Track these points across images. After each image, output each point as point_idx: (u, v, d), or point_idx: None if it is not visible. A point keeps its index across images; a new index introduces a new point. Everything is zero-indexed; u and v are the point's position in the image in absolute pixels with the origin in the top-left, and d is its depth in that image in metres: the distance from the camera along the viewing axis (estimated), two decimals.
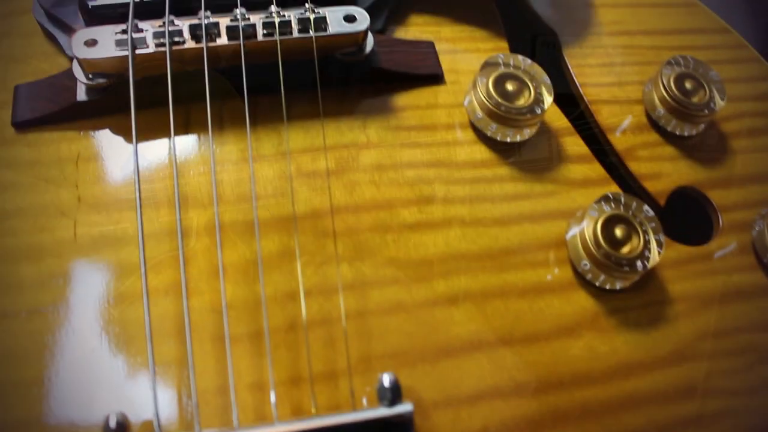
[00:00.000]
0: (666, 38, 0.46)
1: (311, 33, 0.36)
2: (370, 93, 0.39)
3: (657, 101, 0.42)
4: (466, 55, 0.42)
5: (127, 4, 0.36)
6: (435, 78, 0.40)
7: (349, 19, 0.36)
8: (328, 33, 0.36)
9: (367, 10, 0.38)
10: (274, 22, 0.35)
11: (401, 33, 0.42)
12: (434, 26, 0.43)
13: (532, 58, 0.40)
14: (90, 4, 0.37)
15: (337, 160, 0.36)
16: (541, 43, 0.45)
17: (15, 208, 0.34)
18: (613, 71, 0.44)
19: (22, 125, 0.37)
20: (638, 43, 0.46)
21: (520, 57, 0.39)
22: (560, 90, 0.41)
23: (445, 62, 0.41)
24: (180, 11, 0.37)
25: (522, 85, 0.38)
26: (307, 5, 0.36)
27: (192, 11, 0.37)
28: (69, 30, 0.38)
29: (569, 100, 0.43)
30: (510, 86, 0.38)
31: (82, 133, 0.37)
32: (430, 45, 0.41)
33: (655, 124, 0.42)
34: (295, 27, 0.36)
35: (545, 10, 0.45)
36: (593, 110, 0.42)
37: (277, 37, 0.35)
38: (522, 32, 0.45)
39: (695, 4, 0.48)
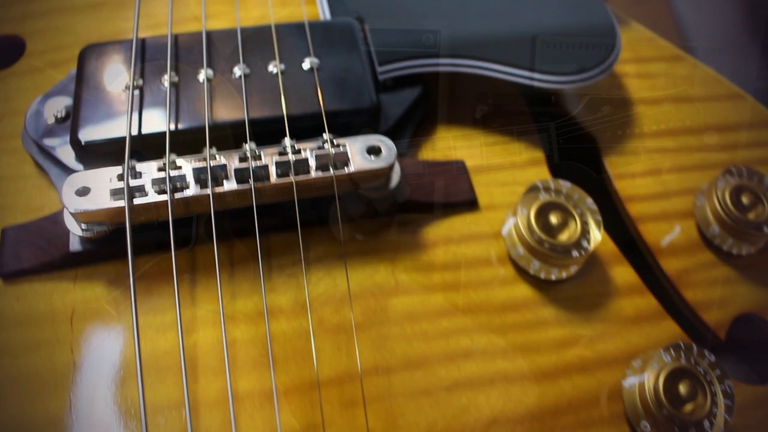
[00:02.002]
0: (713, 136, 0.42)
1: (331, 171, 0.32)
2: (397, 225, 0.35)
3: (711, 217, 0.38)
4: (500, 173, 0.38)
5: (123, 140, 0.32)
6: (469, 204, 0.36)
7: (374, 151, 0.32)
8: (350, 171, 0.32)
9: (391, 130, 0.34)
10: (289, 162, 0.31)
11: (428, 151, 0.38)
12: (463, 139, 0.39)
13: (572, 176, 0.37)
14: (83, 140, 0.33)
15: (363, 311, 0.32)
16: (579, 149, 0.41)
17: (4, 378, 0.30)
18: (659, 180, 0.40)
19: (9, 276, 0.33)
20: (684, 143, 0.42)
21: (561, 182, 0.35)
22: (603, 207, 0.37)
23: (478, 182, 0.37)
24: (182, 146, 0.33)
25: (566, 216, 0.34)
26: (325, 136, 0.32)
27: (195, 147, 0.33)
28: (61, 165, 0.34)
29: (610, 209, 0.39)
30: (554, 218, 0.34)
31: (77, 283, 0.33)
32: (461, 166, 0.37)
33: (709, 242, 0.38)
34: (312, 165, 0.32)
35: (581, 111, 0.41)
36: (641, 230, 0.38)
37: (292, 178, 0.31)
38: (556, 132, 0.41)
39: (741, 96, 0.44)
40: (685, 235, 0.38)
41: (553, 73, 0.37)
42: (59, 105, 0.36)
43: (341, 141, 0.32)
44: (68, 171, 0.34)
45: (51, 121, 0.35)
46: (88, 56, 0.36)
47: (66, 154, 0.34)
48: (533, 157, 0.39)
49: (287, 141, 0.32)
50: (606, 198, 0.39)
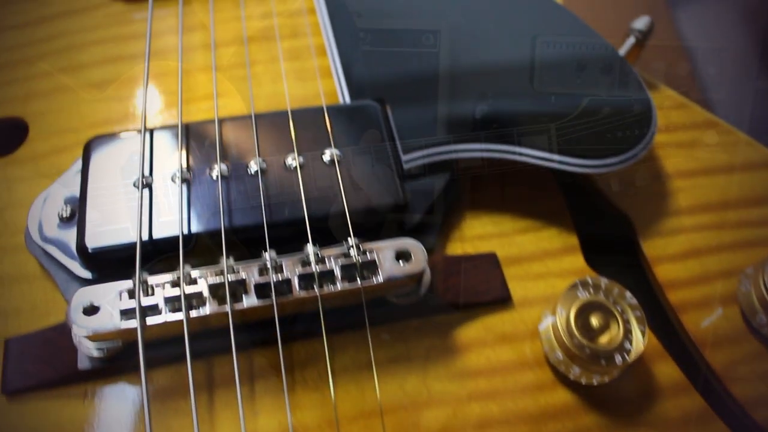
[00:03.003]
0: (752, 211, 0.40)
1: (359, 282, 0.29)
2: (427, 328, 0.33)
3: (757, 304, 0.35)
4: (533, 263, 0.36)
5: (133, 246, 0.30)
6: (503, 301, 0.34)
7: (403, 256, 0.30)
8: (378, 281, 0.29)
9: (418, 227, 0.32)
10: (313, 274, 0.29)
11: (457, 241, 0.36)
12: (493, 226, 0.37)
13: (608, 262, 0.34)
14: (90, 247, 0.31)
15: (395, 427, 0.30)
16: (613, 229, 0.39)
17: None
18: (700, 262, 0.38)
19: (14, 392, 0.30)
20: (722, 219, 0.39)
21: (601, 279, 0.33)
22: (642, 295, 0.35)
23: (511, 275, 0.35)
24: (197, 251, 0.30)
25: (607, 316, 0.32)
26: (350, 241, 0.30)
27: (211, 252, 0.30)
28: (67, 271, 0.32)
29: (649, 297, 0.37)
30: (594, 319, 0.32)
31: (86, 400, 0.30)
32: (493, 259, 0.34)
33: (755, 332, 0.35)
34: (338, 275, 0.29)
35: (616, 195, 0.39)
36: (683, 320, 0.35)
37: (317, 291, 0.29)
38: (591, 219, 0.38)
39: None
40: (730, 323, 0.36)
41: (589, 157, 0.35)
42: (64, 203, 0.34)
43: (368, 246, 0.30)
44: (75, 278, 0.32)
45: (55, 222, 0.33)
46: (94, 149, 0.34)
47: (72, 260, 0.32)
48: (566, 244, 0.37)
49: (310, 249, 0.30)
50: (644, 284, 0.37)
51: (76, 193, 0.34)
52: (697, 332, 0.35)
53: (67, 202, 0.34)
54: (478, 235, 0.36)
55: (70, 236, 0.33)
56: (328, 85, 0.41)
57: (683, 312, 0.36)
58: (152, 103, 0.39)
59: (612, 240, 0.38)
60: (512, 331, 0.33)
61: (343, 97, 0.39)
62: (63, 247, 0.33)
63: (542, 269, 0.36)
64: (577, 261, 0.36)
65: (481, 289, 0.33)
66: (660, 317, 0.36)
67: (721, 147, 0.42)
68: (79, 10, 0.45)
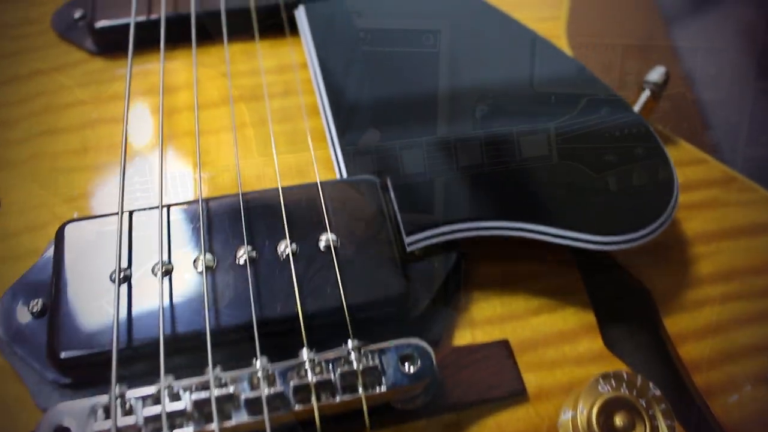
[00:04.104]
0: None
1: (360, 392, 0.27)
2: (434, 429, 0.30)
3: None
4: (549, 348, 0.33)
5: (109, 354, 0.27)
6: (517, 394, 0.31)
7: (409, 359, 0.27)
8: (382, 391, 0.27)
9: (423, 315, 0.29)
10: (308, 386, 0.26)
11: (466, 327, 0.33)
12: (503, 306, 0.34)
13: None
14: (61, 354, 0.28)
15: None
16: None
17: None
18: (727, 337, 0.35)
19: None
20: (749, 287, 0.37)
21: (624, 372, 0.30)
22: (666, 380, 0.32)
23: (525, 364, 0.32)
24: (180, 355, 0.28)
25: (632, 414, 0.29)
26: (350, 344, 0.27)
27: (195, 356, 0.28)
28: (39, 374, 0.29)
29: (673, 381, 0.34)
30: (618, 419, 0.29)
31: None
32: (505, 348, 0.32)
33: None
34: (338, 386, 0.26)
35: (633, 266, 0.36)
36: (711, 406, 0.32)
37: (314, 404, 0.26)
38: (607, 293, 0.36)
39: None
40: (758, 404, 0.33)
41: (607, 233, 0.32)
42: (35, 295, 0.31)
43: (370, 348, 0.27)
44: (49, 383, 0.29)
45: (26, 319, 0.30)
46: (68, 236, 0.31)
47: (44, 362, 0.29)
48: (583, 323, 0.34)
49: (306, 355, 0.27)
50: (668, 363, 0.34)
51: (48, 282, 0.31)
52: (728, 420, 0.32)
53: (38, 294, 0.31)
54: (488, 318, 0.33)
55: (41, 334, 0.30)
56: (322, 150, 0.38)
57: (711, 397, 0.33)
58: (132, 178, 0.36)
59: (631, 316, 0.35)
60: (528, 429, 0.30)
61: (339, 165, 0.36)
62: (33, 347, 0.30)
63: (558, 355, 0.33)
64: (596, 343, 0.33)
65: (493, 382, 0.31)
66: (686, 400, 0.33)
67: (742, 205, 0.40)
68: (56, 68, 0.42)
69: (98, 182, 0.37)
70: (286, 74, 0.42)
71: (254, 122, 0.39)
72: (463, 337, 0.33)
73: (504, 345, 0.32)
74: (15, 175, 0.38)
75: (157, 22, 0.41)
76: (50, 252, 0.32)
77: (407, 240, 0.32)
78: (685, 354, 0.34)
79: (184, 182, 0.36)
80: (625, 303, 0.36)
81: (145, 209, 0.32)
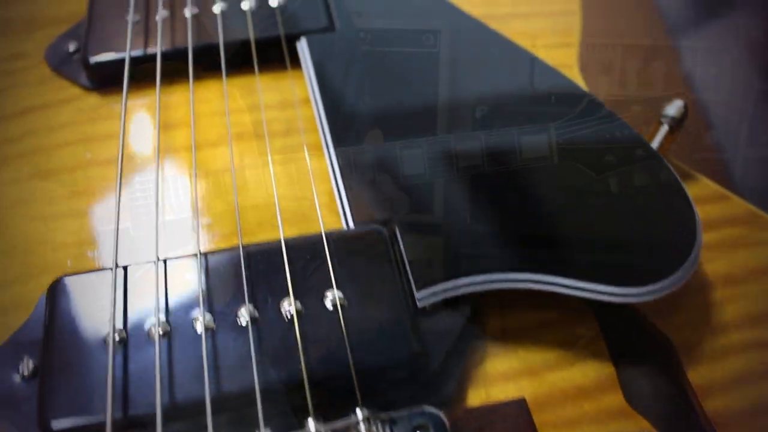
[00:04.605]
0: None
1: None
2: None
3: None
4: (567, 406, 0.31)
5: (103, 427, 0.25)
6: None
7: (422, 429, 0.26)
8: None
9: (434, 375, 0.28)
10: None
11: (479, 384, 0.31)
12: (519, 360, 0.32)
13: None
14: (53, 427, 0.26)
15: None
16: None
17: None
18: (756, 388, 0.33)
19: None
20: None
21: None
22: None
23: (543, 424, 0.30)
24: (177, 419, 0.26)
25: None
26: (360, 414, 0.26)
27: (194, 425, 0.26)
28: None
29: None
30: None
31: None
32: (522, 408, 0.30)
33: None
34: None
35: (653, 313, 0.34)
36: None
37: None
38: (625, 339, 0.34)
39: None
40: None
41: (627, 284, 0.31)
42: (26, 355, 0.29)
43: (381, 417, 0.26)
44: None
45: (17, 380, 0.29)
46: (59, 295, 0.29)
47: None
48: (602, 376, 0.32)
49: (312, 427, 0.25)
50: (693, 420, 0.32)
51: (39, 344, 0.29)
52: None
53: (29, 354, 0.30)
54: (503, 373, 0.32)
55: (32, 399, 0.28)
56: (325, 192, 0.36)
57: None
58: (127, 228, 0.34)
59: (652, 367, 0.34)
60: None
61: (343, 208, 0.34)
62: (23, 413, 0.28)
63: (578, 412, 0.31)
64: (616, 398, 0.32)
65: None
66: None
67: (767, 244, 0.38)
68: (48, 105, 0.41)
69: (91, 228, 0.35)
70: (288, 110, 0.40)
71: (254, 163, 0.37)
72: (478, 395, 0.31)
73: (521, 404, 0.30)
74: (3, 219, 0.36)
75: (154, 56, 0.40)
76: (41, 307, 0.31)
77: (418, 296, 0.30)
78: (710, 408, 0.32)
79: (181, 230, 0.34)
80: (646, 353, 0.34)
81: (140, 264, 0.30)
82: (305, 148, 0.38)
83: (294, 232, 0.34)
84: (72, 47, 0.42)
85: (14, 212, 0.36)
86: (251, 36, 0.40)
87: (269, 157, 0.37)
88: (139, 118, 0.39)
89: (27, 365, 0.29)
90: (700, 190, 0.39)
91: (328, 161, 0.36)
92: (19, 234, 0.35)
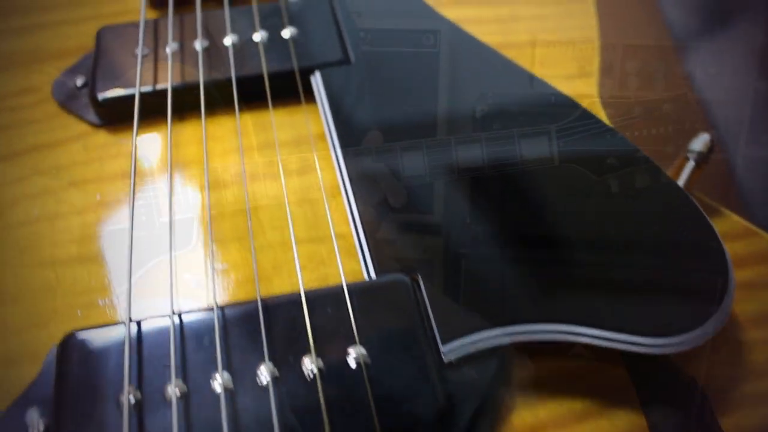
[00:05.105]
0: None
1: None
2: None
3: None
4: None
5: None
6: None
7: None
8: None
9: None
10: None
11: None
12: (547, 411, 0.31)
13: None
14: None
15: None
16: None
17: None
18: None
19: None
20: None
21: None
22: None
23: None
24: None
25: None
26: None
27: None
28: None
29: None
30: None
31: None
32: None
33: None
34: None
35: (681, 359, 0.33)
36: None
37: None
38: (655, 387, 0.33)
39: None
40: None
41: (670, 334, 0.29)
42: (38, 415, 0.28)
43: None
44: None
45: None
46: (70, 352, 0.28)
47: None
48: (633, 427, 0.31)
49: None
50: None
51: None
52: None
53: (40, 414, 0.29)
54: (531, 426, 0.31)
55: None
56: (344, 236, 0.35)
57: None
58: (139, 272, 0.33)
59: (684, 415, 0.32)
60: None
61: (363, 255, 0.33)
62: None
63: None
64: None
65: None
66: None
67: None
68: (56, 143, 0.39)
69: (102, 275, 0.34)
70: (303, 145, 0.39)
71: (270, 204, 0.36)
72: None
73: None
74: (10, 264, 0.35)
75: (164, 92, 0.38)
76: (51, 362, 0.30)
77: (443, 349, 0.29)
78: None
79: (196, 278, 0.33)
80: (677, 401, 0.33)
81: (154, 317, 0.29)
82: (322, 187, 0.37)
83: (312, 277, 0.33)
84: (79, 82, 0.41)
85: (22, 257, 0.35)
86: (264, 70, 0.39)
87: (285, 198, 0.36)
88: (150, 157, 0.38)
89: (38, 427, 0.28)
90: (728, 226, 0.38)
91: (346, 203, 0.35)
92: (26, 280, 0.34)
